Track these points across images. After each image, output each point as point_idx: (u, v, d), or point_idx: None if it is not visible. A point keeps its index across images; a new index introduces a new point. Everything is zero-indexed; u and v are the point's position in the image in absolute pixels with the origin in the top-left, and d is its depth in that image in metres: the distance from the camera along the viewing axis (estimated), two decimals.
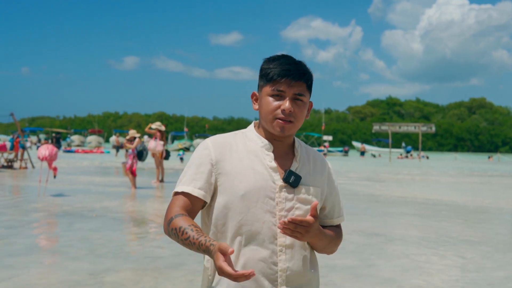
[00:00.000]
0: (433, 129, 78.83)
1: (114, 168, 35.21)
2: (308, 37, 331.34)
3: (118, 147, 59.11)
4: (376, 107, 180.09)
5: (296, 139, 3.05)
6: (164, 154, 23.60)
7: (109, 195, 18.61)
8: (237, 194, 2.80)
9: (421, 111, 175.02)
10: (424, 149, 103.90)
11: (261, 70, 2.91)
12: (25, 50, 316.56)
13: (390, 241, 11.47)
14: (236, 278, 2.39)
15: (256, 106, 2.97)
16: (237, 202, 2.80)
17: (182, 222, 2.72)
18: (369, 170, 41.30)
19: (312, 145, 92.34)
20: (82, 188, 20.64)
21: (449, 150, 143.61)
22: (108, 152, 64.00)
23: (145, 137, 49.99)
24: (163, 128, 23.84)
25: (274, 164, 2.87)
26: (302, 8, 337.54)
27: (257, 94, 2.96)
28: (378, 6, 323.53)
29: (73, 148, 55.61)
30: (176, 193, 2.86)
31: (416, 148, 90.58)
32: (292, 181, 2.85)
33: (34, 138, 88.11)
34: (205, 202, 2.87)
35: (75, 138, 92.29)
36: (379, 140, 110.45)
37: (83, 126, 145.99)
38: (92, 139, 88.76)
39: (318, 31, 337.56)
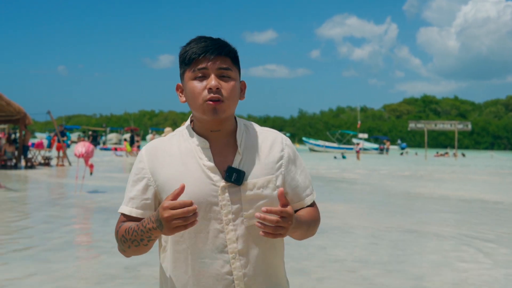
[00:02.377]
0: (469, 127, 78.08)
1: None
2: (343, 34, 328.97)
3: None
4: (412, 105, 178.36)
5: (240, 121, 2.73)
6: None
7: None
8: None
9: (458, 109, 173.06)
10: (460, 147, 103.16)
11: (179, 57, 2.66)
12: (62, 48, 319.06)
13: (423, 238, 11.42)
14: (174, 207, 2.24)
15: (183, 98, 2.67)
16: None
17: (126, 225, 2.59)
18: (405, 168, 41.11)
19: (348, 143, 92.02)
20: (117, 185, 20.84)
21: (486, 148, 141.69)
22: None
23: None
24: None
25: (211, 163, 2.56)
26: (337, 6, 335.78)
27: (181, 85, 2.69)
28: (413, 3, 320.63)
29: (109, 146, 55.90)
30: (120, 213, 2.70)
31: (452, 146, 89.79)
32: (234, 179, 2.53)
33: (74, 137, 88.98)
34: None
35: (113, 136, 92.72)
36: (377, 137, 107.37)
37: (119, 124, 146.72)
38: (128, 137, 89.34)
39: (353, 29, 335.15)
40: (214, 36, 2.64)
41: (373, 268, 8.67)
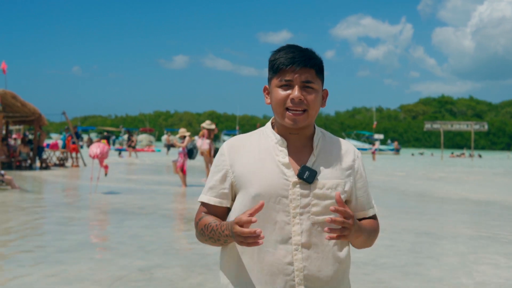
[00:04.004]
0: (486, 127, 77.80)
1: (165, 166, 35.44)
2: (357, 35, 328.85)
3: (169, 146, 59.50)
4: (428, 105, 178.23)
5: (318, 129, 2.92)
6: (212, 152, 23.64)
7: (159, 193, 18.76)
8: (250, 196, 2.77)
9: (474, 109, 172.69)
10: (476, 147, 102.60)
11: (269, 63, 2.84)
12: (76, 49, 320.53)
13: (440, 240, 11.32)
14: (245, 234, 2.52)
15: (268, 100, 2.89)
16: (250, 204, 2.75)
17: (206, 219, 2.84)
18: (421, 169, 40.97)
19: (364, 143, 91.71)
20: (132, 186, 20.87)
21: (502, 149, 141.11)
22: (159, 151, 64.46)
23: (196, 136, 50.27)
24: (212, 126, 23.84)
25: (286, 160, 2.77)
26: (351, 6, 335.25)
27: (268, 87, 2.89)
28: (428, 3, 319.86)
29: (124, 147, 56.06)
30: (200, 202, 2.96)
31: (468, 147, 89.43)
32: (306, 176, 2.72)
33: (86, 137, 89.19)
34: (228, 207, 2.91)
35: (143, 138, 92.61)
36: (368, 136, 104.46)
37: (134, 125, 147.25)
38: (143, 137, 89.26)
39: (368, 29, 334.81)
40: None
41: (390, 271, 8.59)
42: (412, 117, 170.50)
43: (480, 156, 78.82)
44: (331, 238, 2.59)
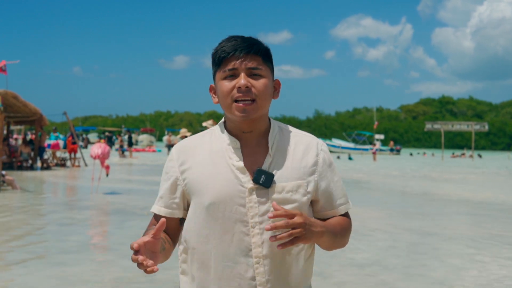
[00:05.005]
0: (486, 127, 77.92)
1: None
2: (357, 35, 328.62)
3: (170, 146, 59.55)
4: (428, 106, 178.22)
5: (274, 123, 2.68)
6: None
7: None
8: (203, 205, 2.52)
9: (474, 109, 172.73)
10: (477, 148, 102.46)
11: (211, 57, 2.60)
12: (76, 50, 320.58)
13: (442, 241, 11.30)
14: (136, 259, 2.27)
15: (216, 99, 2.63)
16: (203, 215, 2.52)
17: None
18: (422, 169, 41.01)
19: (364, 143, 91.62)
20: (134, 187, 20.86)
21: (502, 149, 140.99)
22: (160, 151, 64.51)
23: None
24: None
25: (241, 163, 2.52)
26: (351, 7, 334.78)
27: (214, 86, 2.64)
28: (428, 3, 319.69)
29: (125, 147, 56.01)
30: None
31: (468, 147, 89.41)
32: (262, 181, 2.47)
33: (92, 137, 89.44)
34: (180, 219, 2.67)
35: (144, 138, 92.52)
36: (358, 137, 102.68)
37: (135, 125, 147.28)
38: (144, 138, 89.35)
39: (368, 29, 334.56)
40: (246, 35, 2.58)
41: (393, 272, 8.55)
42: (412, 117, 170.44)
43: (480, 156, 78.83)
44: (283, 247, 2.32)
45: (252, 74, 2.49)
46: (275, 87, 2.63)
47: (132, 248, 2.28)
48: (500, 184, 28.21)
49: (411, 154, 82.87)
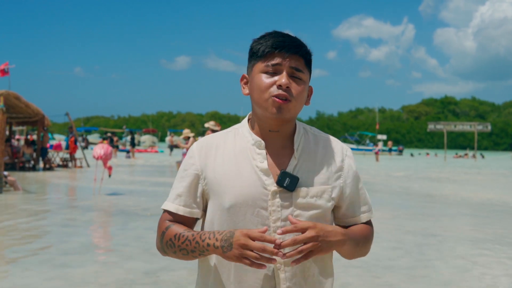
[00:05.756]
0: (489, 128, 78.09)
1: (168, 167, 35.49)
2: (359, 35, 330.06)
3: (172, 147, 59.61)
4: (430, 106, 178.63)
5: (300, 125, 2.60)
6: None
7: (163, 194, 18.68)
8: (223, 207, 2.44)
9: (477, 110, 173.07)
10: (479, 148, 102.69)
11: (251, 49, 2.51)
12: (77, 50, 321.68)
13: (447, 242, 11.26)
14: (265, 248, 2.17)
15: (247, 90, 2.55)
16: (224, 216, 2.44)
17: (176, 229, 2.47)
18: (425, 169, 41.09)
19: (357, 143, 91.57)
20: (136, 188, 20.85)
21: (505, 149, 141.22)
22: (162, 152, 64.57)
23: (200, 137, 50.37)
24: (217, 128, 23.72)
25: (265, 165, 2.44)
26: (353, 7, 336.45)
27: (247, 76, 2.56)
28: (430, 4, 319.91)
29: (127, 148, 56.11)
30: (164, 210, 2.59)
31: (471, 148, 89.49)
32: (287, 184, 2.39)
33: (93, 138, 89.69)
34: (196, 218, 2.58)
35: (146, 139, 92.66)
36: (345, 137, 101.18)
37: (137, 125, 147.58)
38: (146, 138, 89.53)
39: (370, 30, 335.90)
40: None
41: (398, 274, 8.53)
42: (414, 117, 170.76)
43: (483, 156, 79.06)
44: (297, 263, 2.27)
45: (293, 75, 2.42)
46: (308, 94, 2.56)
47: (253, 235, 2.20)
48: (503, 185, 28.26)
49: (411, 155, 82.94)
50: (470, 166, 51.10)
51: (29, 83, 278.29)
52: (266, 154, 2.47)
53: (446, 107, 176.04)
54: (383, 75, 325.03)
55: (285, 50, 2.39)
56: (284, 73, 2.38)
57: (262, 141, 2.47)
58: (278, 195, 2.39)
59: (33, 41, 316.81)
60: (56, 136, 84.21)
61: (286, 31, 2.50)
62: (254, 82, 2.45)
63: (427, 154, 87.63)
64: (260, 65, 2.43)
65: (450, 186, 26.19)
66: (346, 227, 2.55)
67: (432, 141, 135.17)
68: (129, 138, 57.83)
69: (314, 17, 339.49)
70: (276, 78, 2.38)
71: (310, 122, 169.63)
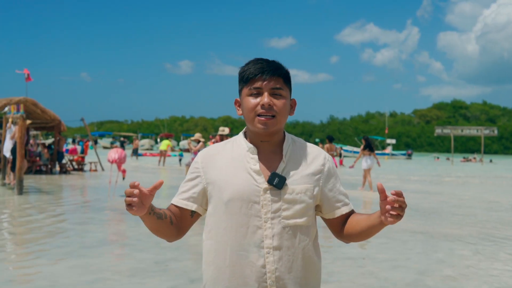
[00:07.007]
0: (496, 132, 77.54)
1: (176, 169, 36.12)
2: (362, 40, 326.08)
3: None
4: (442, 110, 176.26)
5: (288, 136, 3.03)
6: None
7: (174, 195, 19.32)
8: (222, 201, 2.87)
9: (487, 114, 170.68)
10: (489, 152, 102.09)
11: (239, 75, 2.96)
12: (83, 55, 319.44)
13: (452, 243, 11.54)
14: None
15: (240, 112, 2.99)
16: (223, 209, 2.87)
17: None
18: (432, 173, 41.34)
19: (376, 148, 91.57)
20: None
21: None
22: (175, 155, 64.94)
23: (209, 142, 50.69)
24: (224, 132, 24.45)
25: (257, 167, 2.87)
26: (356, 12, 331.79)
27: (239, 100, 3.01)
28: (433, 8, 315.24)
29: (141, 152, 56.37)
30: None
31: (479, 152, 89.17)
32: (276, 182, 2.82)
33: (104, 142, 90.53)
34: (192, 211, 3.02)
35: (145, 142, 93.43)
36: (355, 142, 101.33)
37: (150, 130, 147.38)
38: (146, 142, 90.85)
39: (373, 34, 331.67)
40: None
41: (403, 275, 8.71)
42: (425, 122, 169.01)
43: (491, 161, 78.17)
44: (393, 221, 2.66)
45: (274, 93, 2.87)
46: (291, 105, 3.01)
47: (131, 185, 2.72)
48: (507, 188, 28.52)
49: (410, 156, 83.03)
50: (476, 170, 50.82)
51: (40, 89, 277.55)
52: (259, 159, 2.92)
53: (457, 111, 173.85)
54: (388, 79, 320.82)
55: (264, 74, 2.85)
56: (266, 93, 2.84)
57: (255, 148, 2.93)
58: (268, 192, 2.84)
59: (40, 48, 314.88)
60: (70, 140, 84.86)
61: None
62: (243, 104, 2.93)
63: (437, 158, 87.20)
64: (246, 90, 2.90)
65: (455, 188, 26.46)
66: (333, 219, 3.07)
67: (443, 145, 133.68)
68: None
69: (317, 22, 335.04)
70: (259, 99, 2.85)
71: (322, 126, 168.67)
